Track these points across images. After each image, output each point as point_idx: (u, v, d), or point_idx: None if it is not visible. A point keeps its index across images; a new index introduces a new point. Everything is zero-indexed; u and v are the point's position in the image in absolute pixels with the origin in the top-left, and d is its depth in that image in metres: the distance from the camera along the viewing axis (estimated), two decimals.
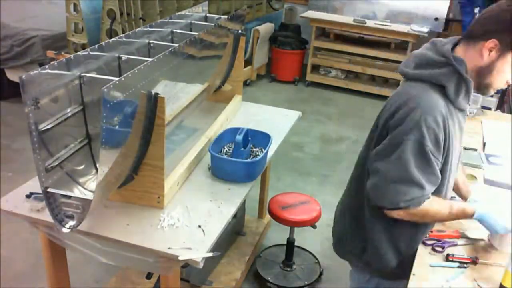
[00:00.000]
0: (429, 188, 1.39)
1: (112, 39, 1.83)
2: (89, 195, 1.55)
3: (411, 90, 1.40)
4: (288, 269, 2.70)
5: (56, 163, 1.48)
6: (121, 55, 1.78)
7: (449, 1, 5.33)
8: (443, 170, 1.43)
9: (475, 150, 2.21)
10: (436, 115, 1.34)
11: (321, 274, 2.71)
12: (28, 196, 1.71)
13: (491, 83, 1.40)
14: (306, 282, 2.62)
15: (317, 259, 2.82)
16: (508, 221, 1.46)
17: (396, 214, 1.41)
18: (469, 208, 1.48)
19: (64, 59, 1.52)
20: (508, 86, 1.41)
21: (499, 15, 1.33)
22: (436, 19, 5.39)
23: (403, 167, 1.34)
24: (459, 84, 1.38)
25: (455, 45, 1.45)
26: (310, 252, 2.86)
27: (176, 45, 1.80)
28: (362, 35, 5.60)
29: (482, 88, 1.42)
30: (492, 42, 1.33)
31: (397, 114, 1.38)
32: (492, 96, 3.25)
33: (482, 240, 1.58)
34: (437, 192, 1.46)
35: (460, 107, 1.43)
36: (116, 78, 1.40)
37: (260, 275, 2.64)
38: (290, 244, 2.67)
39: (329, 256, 2.93)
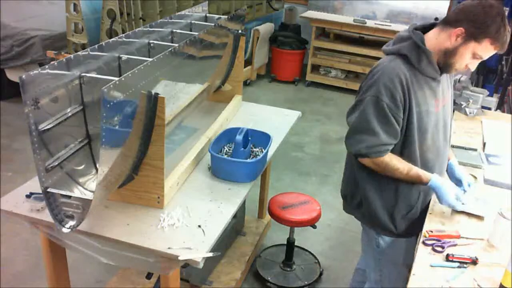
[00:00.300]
0: (386, 138, 1.60)
1: (112, 39, 1.83)
2: (89, 195, 1.55)
3: (381, 62, 1.68)
4: (288, 269, 2.70)
5: (56, 163, 1.48)
6: (121, 55, 1.78)
7: (449, 1, 5.33)
8: (408, 129, 1.63)
9: (475, 150, 2.21)
10: (393, 77, 1.58)
11: (321, 274, 2.72)
12: (28, 196, 1.71)
13: (453, 64, 1.61)
14: (306, 282, 2.63)
15: (317, 259, 2.82)
16: (453, 199, 1.65)
17: (365, 162, 1.66)
18: (425, 176, 1.66)
19: (64, 59, 1.52)
20: (467, 69, 1.62)
21: (470, 8, 1.56)
22: (436, 19, 5.35)
23: (363, 118, 1.61)
24: (419, 54, 1.61)
25: (432, 27, 1.67)
26: (310, 252, 2.87)
27: (176, 45, 1.80)
28: (362, 35, 5.60)
29: (446, 67, 1.63)
30: (459, 30, 1.55)
31: (367, 79, 1.67)
32: (492, 96, 3.25)
33: (482, 239, 1.58)
34: (409, 153, 1.66)
35: (427, 74, 1.63)
36: (116, 78, 1.40)
37: (260, 275, 2.64)
38: (290, 244, 2.68)
39: (329, 256, 2.93)
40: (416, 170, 1.66)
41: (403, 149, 1.66)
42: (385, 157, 1.62)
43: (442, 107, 1.72)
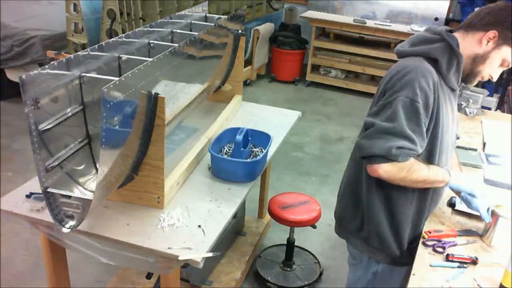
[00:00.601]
0: (418, 143, 1.42)
1: (112, 39, 1.83)
2: (89, 195, 1.55)
3: (406, 62, 1.49)
4: (288, 269, 2.70)
5: (56, 163, 1.48)
6: (121, 55, 1.78)
7: (449, 1, 5.34)
8: (432, 137, 1.48)
9: (475, 150, 2.21)
10: (429, 79, 1.42)
11: (321, 274, 2.72)
12: (28, 196, 1.71)
13: (480, 72, 1.51)
14: (306, 282, 2.63)
15: (317, 259, 2.82)
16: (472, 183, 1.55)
17: (383, 168, 1.41)
18: (444, 171, 1.52)
19: (64, 59, 1.52)
20: (490, 78, 1.52)
21: (500, 10, 1.46)
22: (436, 19, 5.39)
23: (396, 120, 1.40)
24: (451, 59, 1.48)
25: (449, 32, 1.54)
26: (310, 252, 2.87)
27: (176, 45, 1.80)
28: (362, 35, 5.60)
29: (471, 75, 1.53)
30: (492, 33, 1.44)
31: (393, 79, 1.46)
32: (492, 96, 3.25)
33: (479, 235, 1.58)
34: (431, 161, 1.52)
35: (451, 84, 1.52)
36: (116, 78, 1.40)
37: (260, 275, 2.64)
38: (290, 244, 2.68)
39: (329, 256, 2.93)
40: (435, 171, 1.50)
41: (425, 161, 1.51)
42: (410, 160, 1.43)
43: (453, 123, 1.60)
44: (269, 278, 2.61)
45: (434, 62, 1.47)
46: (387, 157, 1.39)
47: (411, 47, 1.53)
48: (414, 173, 1.44)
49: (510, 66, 1.49)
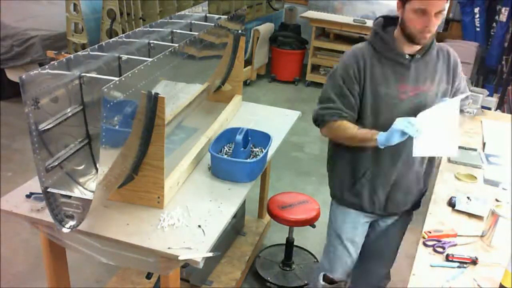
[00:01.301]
0: (341, 105, 1.71)
1: (112, 39, 1.83)
2: (89, 195, 1.55)
3: None
4: (288, 269, 2.71)
5: (56, 163, 1.48)
6: (121, 55, 1.78)
7: (449, 1, 5.33)
8: (362, 105, 1.71)
9: (475, 150, 2.21)
10: (350, 55, 1.72)
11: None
12: (28, 196, 1.71)
13: (411, 31, 1.62)
14: (305, 282, 2.63)
15: (316, 258, 2.81)
16: (404, 127, 1.59)
17: (323, 131, 1.79)
18: (373, 132, 1.65)
19: (64, 59, 1.52)
20: (426, 27, 1.58)
21: None
22: None
23: (323, 91, 1.78)
24: (377, 39, 1.71)
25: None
26: (309, 252, 2.87)
27: (176, 45, 1.80)
28: (362, 35, 5.60)
29: (410, 38, 1.64)
30: (397, 3, 1.65)
31: None
32: (492, 96, 3.25)
33: (479, 236, 1.58)
34: (364, 125, 1.70)
35: (391, 57, 1.68)
36: (116, 78, 1.40)
37: (259, 275, 2.64)
38: (289, 244, 2.68)
39: None
40: (363, 129, 1.69)
41: (361, 122, 1.73)
42: (338, 121, 1.71)
43: (414, 96, 1.68)
44: (268, 278, 2.61)
45: (370, 43, 1.73)
46: (320, 121, 1.76)
47: None
48: (342, 131, 1.71)
49: (426, 10, 1.55)
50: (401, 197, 1.84)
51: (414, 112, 1.63)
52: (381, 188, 1.81)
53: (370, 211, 1.87)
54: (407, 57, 1.67)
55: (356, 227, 1.93)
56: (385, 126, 1.61)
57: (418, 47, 1.67)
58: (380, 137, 1.60)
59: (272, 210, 2.49)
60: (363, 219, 1.92)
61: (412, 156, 1.64)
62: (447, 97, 1.74)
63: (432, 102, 1.69)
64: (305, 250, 2.88)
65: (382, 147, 1.61)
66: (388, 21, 1.75)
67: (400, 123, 1.56)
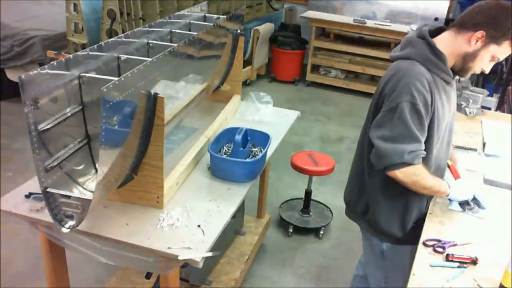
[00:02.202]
0: (422, 145, 1.56)
1: (112, 39, 1.83)
2: (88, 195, 1.55)
3: (398, 65, 1.60)
4: (306, 215, 3.22)
5: (56, 163, 1.48)
6: (120, 55, 1.78)
7: (449, 1, 5.33)
8: (429, 134, 1.59)
9: (475, 150, 2.21)
10: (423, 80, 1.53)
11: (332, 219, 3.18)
12: (27, 196, 1.70)
13: (471, 67, 1.59)
14: (322, 224, 3.13)
15: (328, 208, 3.30)
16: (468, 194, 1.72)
17: (398, 172, 1.55)
18: (445, 184, 1.66)
19: (63, 59, 1.52)
20: (482, 72, 1.60)
21: (489, 10, 1.53)
22: (436, 19, 5.38)
23: (403, 125, 1.52)
24: (436, 59, 1.57)
25: (442, 30, 1.64)
26: (322, 203, 3.35)
27: (175, 45, 1.80)
28: (362, 35, 5.60)
29: (463, 70, 1.61)
30: (480, 33, 1.52)
31: (389, 84, 1.57)
32: (492, 96, 3.25)
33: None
34: (427, 158, 1.62)
35: (443, 77, 1.60)
36: (116, 78, 1.40)
37: (283, 220, 3.15)
38: (308, 194, 3.20)
39: (329, 256, 2.93)
40: (439, 183, 1.63)
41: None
42: (420, 164, 1.56)
43: (451, 111, 1.70)
44: (292, 221, 3.11)
45: (422, 62, 1.56)
46: (404, 162, 1.52)
47: (401, 50, 1.64)
48: (423, 179, 1.57)
49: (500, 60, 1.57)
50: None
51: (451, 125, 1.73)
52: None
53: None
54: (453, 77, 1.63)
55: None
56: (444, 147, 1.69)
57: None
58: (451, 197, 1.67)
59: (295, 162, 3.03)
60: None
61: None
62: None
63: (454, 117, 1.77)
64: (319, 202, 3.36)
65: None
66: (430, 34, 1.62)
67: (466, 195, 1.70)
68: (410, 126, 1.51)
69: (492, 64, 1.59)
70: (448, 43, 1.58)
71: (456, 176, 1.77)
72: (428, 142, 1.60)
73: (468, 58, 1.56)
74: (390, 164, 1.53)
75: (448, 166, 1.81)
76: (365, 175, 1.74)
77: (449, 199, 1.75)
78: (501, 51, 1.53)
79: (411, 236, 1.71)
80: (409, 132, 1.51)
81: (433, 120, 1.57)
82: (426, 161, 1.62)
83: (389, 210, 1.70)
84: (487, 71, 1.60)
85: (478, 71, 1.61)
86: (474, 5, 1.57)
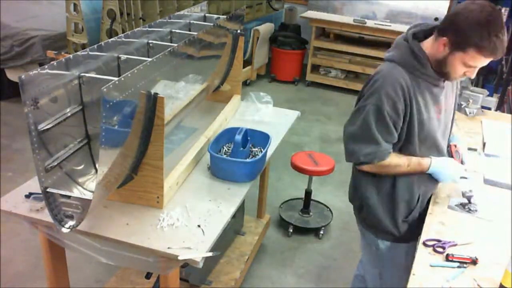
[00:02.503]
0: (386, 145, 1.60)
1: (111, 39, 1.83)
2: (88, 195, 1.55)
3: (380, 67, 1.64)
4: (306, 215, 3.21)
5: (56, 163, 1.48)
6: (120, 55, 1.77)
7: (449, 1, 5.33)
8: (408, 136, 1.62)
9: (475, 150, 2.21)
10: (395, 85, 1.55)
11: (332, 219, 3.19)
12: (27, 196, 1.70)
13: (448, 73, 1.57)
14: (322, 224, 3.12)
15: (328, 207, 3.29)
16: (456, 174, 1.70)
17: (364, 167, 1.66)
18: (424, 161, 1.67)
19: (63, 59, 1.52)
20: (466, 75, 1.56)
21: (454, 15, 1.50)
22: (436, 19, 5.38)
23: (365, 127, 1.59)
24: (417, 62, 1.57)
25: (431, 32, 1.62)
26: (321, 203, 3.35)
27: (175, 45, 1.80)
28: (362, 35, 5.60)
29: (443, 75, 1.59)
30: (443, 40, 1.51)
31: (367, 85, 1.63)
32: (492, 96, 3.25)
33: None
34: (411, 152, 1.65)
35: (428, 80, 1.60)
36: (116, 78, 1.40)
37: (283, 220, 3.14)
38: (308, 194, 3.19)
39: (329, 256, 2.93)
40: (415, 160, 1.65)
41: (403, 153, 1.66)
42: (386, 160, 1.62)
43: (444, 112, 1.70)
44: (292, 221, 3.10)
45: (404, 65, 1.58)
46: (362, 163, 1.63)
47: (388, 52, 1.66)
48: (394, 168, 1.64)
49: (477, 67, 1.51)
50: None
51: (446, 125, 1.73)
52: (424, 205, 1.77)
53: (417, 236, 1.68)
54: (442, 79, 1.62)
55: (410, 259, 1.74)
56: (430, 146, 1.68)
57: None
58: (431, 171, 1.67)
59: (294, 162, 3.03)
60: (413, 248, 1.76)
61: None
62: (455, 101, 1.81)
63: (451, 116, 1.78)
64: (319, 202, 3.36)
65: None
66: (415, 35, 1.63)
67: (449, 177, 1.69)
68: (371, 129, 1.57)
69: (473, 70, 1.53)
70: (429, 47, 1.58)
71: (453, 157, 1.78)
72: (410, 143, 1.63)
73: (441, 63, 1.55)
74: (356, 162, 1.66)
75: (449, 146, 1.82)
76: (356, 174, 1.79)
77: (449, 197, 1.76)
78: (469, 58, 1.47)
79: (406, 234, 1.75)
80: (368, 134, 1.58)
81: (412, 122, 1.58)
82: (413, 150, 1.66)
83: (379, 204, 1.73)
84: (471, 76, 1.56)
85: (459, 77, 1.57)
86: (451, 12, 1.57)
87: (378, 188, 1.73)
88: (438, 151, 1.74)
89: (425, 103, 1.60)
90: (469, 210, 1.72)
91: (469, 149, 2.20)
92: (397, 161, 1.63)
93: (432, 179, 1.73)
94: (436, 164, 1.66)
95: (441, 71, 1.57)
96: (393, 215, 1.73)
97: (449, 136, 1.84)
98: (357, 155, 1.62)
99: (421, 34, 1.63)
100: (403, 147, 1.65)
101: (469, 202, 1.74)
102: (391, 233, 1.76)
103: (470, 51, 1.46)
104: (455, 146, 1.84)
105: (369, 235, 1.83)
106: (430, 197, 1.80)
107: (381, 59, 5.47)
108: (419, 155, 1.67)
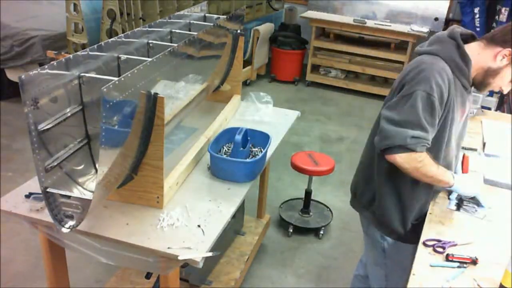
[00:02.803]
0: (430, 135, 1.54)
1: (111, 39, 1.83)
2: (88, 195, 1.55)
3: (423, 58, 1.59)
4: (306, 215, 3.22)
5: (56, 163, 1.48)
6: (120, 55, 1.77)
7: (449, 1, 5.33)
8: (441, 128, 1.59)
9: (475, 150, 2.21)
10: (444, 77, 1.52)
11: (332, 219, 3.20)
12: (27, 196, 1.70)
13: (490, 84, 1.59)
14: (322, 224, 3.13)
15: (328, 207, 3.30)
16: (475, 191, 1.70)
17: (398, 157, 1.53)
18: (449, 174, 1.64)
19: (63, 59, 1.52)
20: (500, 91, 1.60)
21: None
22: (436, 19, 5.39)
23: (413, 112, 1.51)
24: (462, 61, 1.56)
25: (471, 38, 1.63)
26: (321, 203, 3.35)
27: (175, 45, 1.80)
28: (362, 35, 5.60)
29: (482, 85, 1.61)
30: (508, 51, 1.51)
31: (410, 73, 1.57)
32: (492, 96, 3.25)
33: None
34: (436, 154, 1.62)
35: (463, 83, 1.60)
36: (116, 78, 1.40)
37: (284, 220, 3.14)
38: (308, 194, 3.20)
39: (329, 256, 2.93)
40: (442, 168, 1.61)
41: (431, 150, 1.60)
42: (423, 152, 1.54)
43: (464, 117, 1.72)
44: (292, 221, 3.11)
45: (447, 61, 1.56)
46: (405, 146, 1.50)
47: (428, 46, 1.63)
48: (425, 166, 1.55)
49: None
50: None
51: (462, 130, 1.75)
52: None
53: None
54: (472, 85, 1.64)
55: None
56: (453, 148, 1.67)
57: None
58: (455, 189, 1.65)
59: (294, 162, 3.03)
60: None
61: None
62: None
63: (467, 122, 1.79)
64: (319, 202, 3.37)
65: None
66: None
67: (468, 194, 1.69)
68: (419, 114, 1.50)
69: (510, 85, 1.57)
70: (475, 53, 1.57)
71: (465, 169, 1.77)
72: (439, 139, 1.60)
73: (490, 73, 1.55)
74: (391, 146, 1.52)
75: (463, 157, 1.82)
76: (374, 164, 1.74)
77: (449, 197, 1.76)
78: None
79: (414, 235, 1.70)
80: (417, 119, 1.50)
81: (447, 118, 1.58)
82: (436, 158, 1.62)
83: (393, 203, 1.70)
84: (505, 91, 1.59)
85: (496, 89, 1.60)
86: (509, 23, 1.57)
87: (397, 188, 1.68)
88: (454, 160, 1.75)
89: (457, 104, 1.60)
90: (468, 211, 1.72)
91: (469, 149, 2.21)
92: (432, 161, 1.57)
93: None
94: (458, 180, 1.65)
95: (483, 80, 1.58)
96: (404, 216, 1.71)
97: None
98: (402, 136, 1.49)
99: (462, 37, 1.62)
100: (432, 147, 1.59)
101: (476, 206, 1.74)
102: (398, 232, 1.74)
103: None
104: (468, 157, 1.85)
105: (374, 235, 1.81)
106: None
107: (381, 59, 5.50)
108: (442, 159, 1.66)
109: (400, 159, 1.53)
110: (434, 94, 1.50)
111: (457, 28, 1.63)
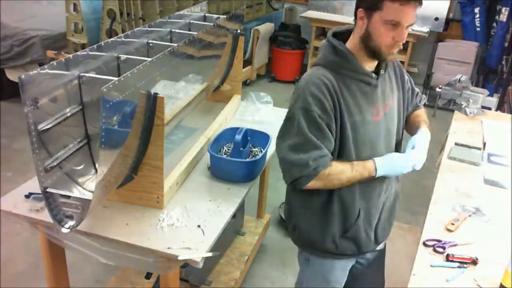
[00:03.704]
0: (328, 146, 1.46)
1: (111, 39, 1.83)
2: (88, 195, 1.55)
3: (303, 75, 1.53)
4: None
5: (55, 163, 1.48)
6: (120, 55, 1.77)
7: (449, 1, 5.33)
8: (342, 141, 1.49)
9: (479, 148, 2.21)
10: (320, 85, 1.44)
11: None
12: (27, 196, 1.70)
13: (376, 46, 1.44)
14: None
15: None
16: (405, 167, 1.54)
17: (311, 185, 1.48)
18: (368, 164, 1.51)
19: (63, 59, 1.52)
20: (397, 41, 1.42)
21: None
22: (436, 19, 5.39)
23: (301, 134, 1.44)
24: (342, 58, 1.48)
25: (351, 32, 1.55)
26: None
27: (175, 45, 1.80)
28: None
29: (375, 54, 1.46)
30: (360, 12, 1.45)
31: (292, 95, 1.51)
32: (492, 96, 3.25)
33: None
34: (347, 159, 1.50)
35: (359, 78, 1.49)
36: (115, 78, 1.40)
37: (284, 219, 3.01)
38: None
39: None
40: (357, 163, 1.50)
41: (340, 157, 1.51)
42: (327, 168, 1.46)
43: (384, 114, 1.56)
44: None
45: (327, 65, 1.49)
46: (308, 174, 1.45)
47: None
48: (336, 177, 1.47)
49: (400, 22, 1.39)
50: (389, 222, 1.70)
51: (388, 129, 1.58)
52: (373, 220, 1.62)
53: (366, 250, 1.66)
54: (374, 76, 1.51)
55: (345, 274, 1.73)
56: (367, 153, 1.52)
57: (376, 62, 1.51)
58: (379, 173, 1.51)
59: None
60: (352, 262, 1.73)
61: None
62: (401, 102, 1.65)
63: (395, 118, 1.61)
64: None
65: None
66: (336, 36, 1.54)
67: (398, 169, 1.54)
68: (307, 134, 1.43)
69: (399, 30, 1.40)
70: (353, 41, 1.49)
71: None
72: (344, 150, 1.50)
73: (365, 40, 1.44)
74: (299, 176, 1.47)
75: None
76: (290, 190, 1.71)
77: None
78: (390, 13, 1.37)
79: (347, 250, 1.62)
80: (307, 141, 1.43)
81: (344, 126, 1.47)
82: (350, 158, 1.52)
83: (311, 223, 1.61)
84: (401, 39, 1.41)
85: (390, 49, 1.43)
86: None
87: (310, 206, 1.60)
88: (376, 155, 1.56)
89: (358, 105, 1.48)
90: (468, 211, 1.72)
91: (473, 147, 2.20)
92: (341, 167, 1.47)
93: (374, 189, 1.59)
94: (381, 162, 1.51)
95: (370, 50, 1.45)
96: (328, 232, 1.59)
97: (401, 140, 1.68)
98: (302, 165, 1.44)
99: (345, 35, 1.54)
100: (339, 154, 1.51)
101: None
102: (327, 250, 1.63)
103: (385, 5, 1.37)
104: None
105: (307, 258, 1.72)
106: (394, 207, 1.71)
107: None
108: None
109: (313, 184, 1.48)
110: (312, 107, 1.42)
111: (332, 30, 1.57)
